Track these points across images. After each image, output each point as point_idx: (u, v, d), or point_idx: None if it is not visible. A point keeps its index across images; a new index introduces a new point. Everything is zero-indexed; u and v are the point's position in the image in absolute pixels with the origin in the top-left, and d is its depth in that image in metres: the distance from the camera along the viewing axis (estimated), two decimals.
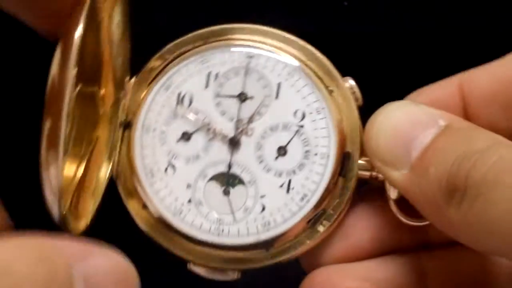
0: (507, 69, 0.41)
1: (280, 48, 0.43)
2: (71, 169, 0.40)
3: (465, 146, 0.35)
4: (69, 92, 0.34)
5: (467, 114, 0.42)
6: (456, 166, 0.35)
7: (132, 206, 0.42)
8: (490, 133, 0.37)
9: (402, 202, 0.41)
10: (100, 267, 0.31)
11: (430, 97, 0.42)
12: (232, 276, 0.42)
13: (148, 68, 0.43)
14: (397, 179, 0.38)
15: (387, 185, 0.41)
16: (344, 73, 0.43)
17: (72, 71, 0.34)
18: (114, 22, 0.41)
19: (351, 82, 0.43)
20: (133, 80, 0.43)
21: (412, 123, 0.38)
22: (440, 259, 0.42)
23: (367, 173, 0.42)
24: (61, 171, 0.35)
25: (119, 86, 0.43)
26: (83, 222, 0.40)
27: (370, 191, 0.43)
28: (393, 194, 0.41)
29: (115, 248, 0.32)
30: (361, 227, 0.42)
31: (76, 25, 0.35)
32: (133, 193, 0.42)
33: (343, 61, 0.43)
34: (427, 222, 0.41)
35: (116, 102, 0.43)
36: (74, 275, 0.30)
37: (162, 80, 0.42)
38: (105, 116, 0.43)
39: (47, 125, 0.36)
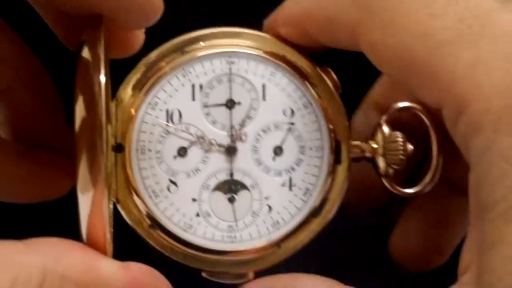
0: None
1: (257, 48, 0.43)
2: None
3: None
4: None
5: None
6: None
7: (140, 228, 0.42)
8: None
9: (392, 176, 0.44)
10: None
11: None
12: (247, 278, 0.43)
13: (127, 86, 0.43)
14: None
15: (377, 161, 0.43)
16: (344, 74, 0.43)
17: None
18: None
19: (329, 70, 0.44)
20: (114, 102, 0.42)
21: None
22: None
23: (357, 154, 0.43)
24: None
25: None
26: None
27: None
28: (383, 170, 0.43)
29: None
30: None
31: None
32: (138, 215, 0.42)
33: (343, 62, 0.44)
34: (419, 189, 0.44)
35: (101, 126, 0.42)
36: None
37: (147, 99, 0.42)
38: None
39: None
